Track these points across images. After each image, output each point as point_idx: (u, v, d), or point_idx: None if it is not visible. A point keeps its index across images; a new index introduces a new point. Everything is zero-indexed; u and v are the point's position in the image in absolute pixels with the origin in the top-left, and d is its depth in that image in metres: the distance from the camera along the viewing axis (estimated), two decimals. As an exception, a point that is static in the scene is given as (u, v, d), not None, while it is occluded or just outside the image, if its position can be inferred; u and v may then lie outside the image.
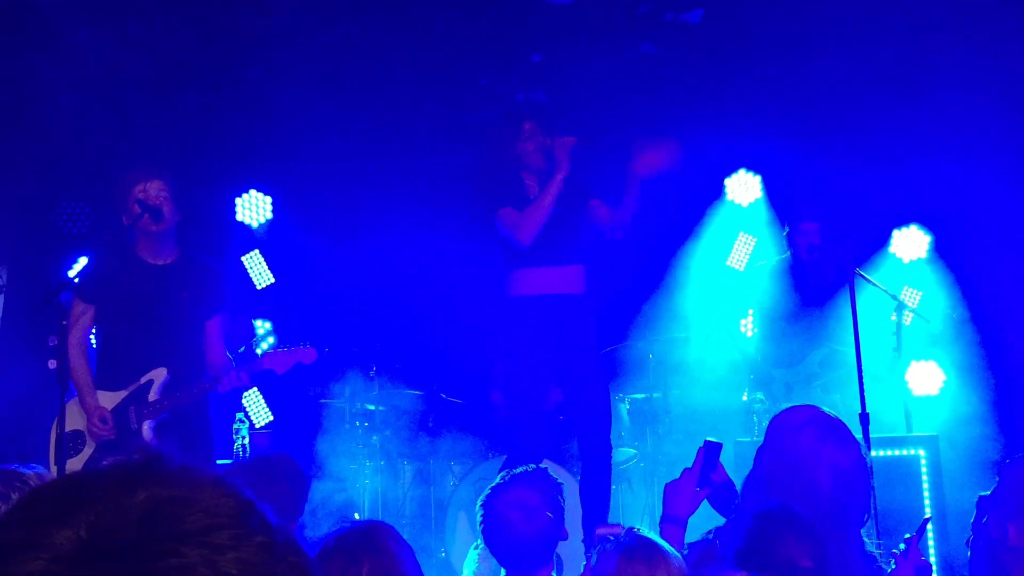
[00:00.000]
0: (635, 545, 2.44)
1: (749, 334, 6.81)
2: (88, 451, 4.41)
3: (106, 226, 6.49)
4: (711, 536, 2.88)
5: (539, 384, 4.69)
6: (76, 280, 4.51)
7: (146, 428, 4.35)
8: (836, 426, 2.87)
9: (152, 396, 4.36)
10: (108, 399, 4.41)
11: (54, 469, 4.11)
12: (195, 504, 0.73)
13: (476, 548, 3.79)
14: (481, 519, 3.32)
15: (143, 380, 4.38)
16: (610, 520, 5.59)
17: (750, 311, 6.78)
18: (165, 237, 4.52)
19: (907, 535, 3.02)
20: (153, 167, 4.57)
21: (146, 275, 4.48)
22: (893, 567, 2.94)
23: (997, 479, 3.02)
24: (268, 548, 0.73)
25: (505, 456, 4.88)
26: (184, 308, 4.47)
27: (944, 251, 6.73)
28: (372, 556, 2.25)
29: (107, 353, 4.50)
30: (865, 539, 2.87)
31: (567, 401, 4.87)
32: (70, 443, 4.36)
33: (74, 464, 4.35)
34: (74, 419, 4.41)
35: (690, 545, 2.90)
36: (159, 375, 4.36)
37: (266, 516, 0.76)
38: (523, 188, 4.77)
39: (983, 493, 3.11)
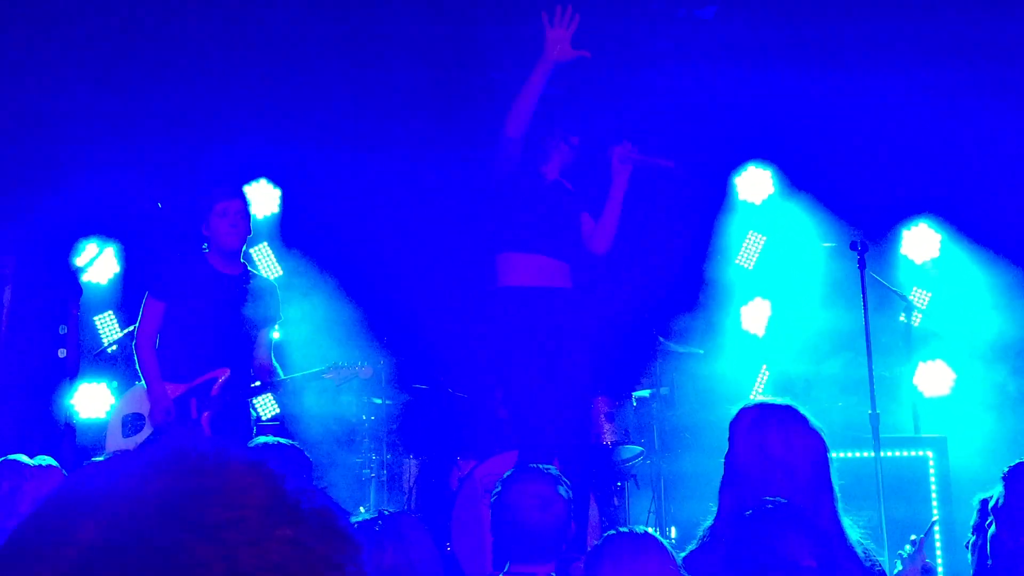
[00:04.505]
0: (629, 538, 2.45)
1: (761, 333, 6.78)
2: (145, 433, 4.81)
3: (128, 215, 6.63)
4: (707, 540, 2.88)
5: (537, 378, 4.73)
6: (152, 279, 4.98)
7: (205, 419, 4.74)
8: (790, 410, 2.97)
9: (215, 391, 4.76)
10: (171, 390, 4.80)
11: (116, 447, 4.51)
12: (219, 495, 0.70)
13: None
14: (493, 507, 3.31)
15: (208, 376, 4.77)
16: (618, 518, 5.59)
17: (767, 304, 6.74)
18: (237, 252, 4.95)
19: (913, 537, 3.01)
20: (237, 187, 5.03)
21: (219, 282, 4.91)
22: (899, 569, 2.93)
23: (1003, 488, 2.98)
24: (294, 543, 0.70)
25: (513, 451, 4.90)
26: (246, 317, 4.91)
27: (958, 245, 6.67)
28: (395, 544, 2.30)
29: (173, 348, 4.86)
30: (851, 534, 2.88)
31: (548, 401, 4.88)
32: (129, 424, 4.83)
33: (131, 444, 4.74)
34: (134, 403, 4.87)
35: (690, 556, 2.90)
36: (223, 374, 4.75)
37: (299, 505, 0.72)
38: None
39: (983, 495, 3.08)
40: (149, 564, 0.66)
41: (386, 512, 2.48)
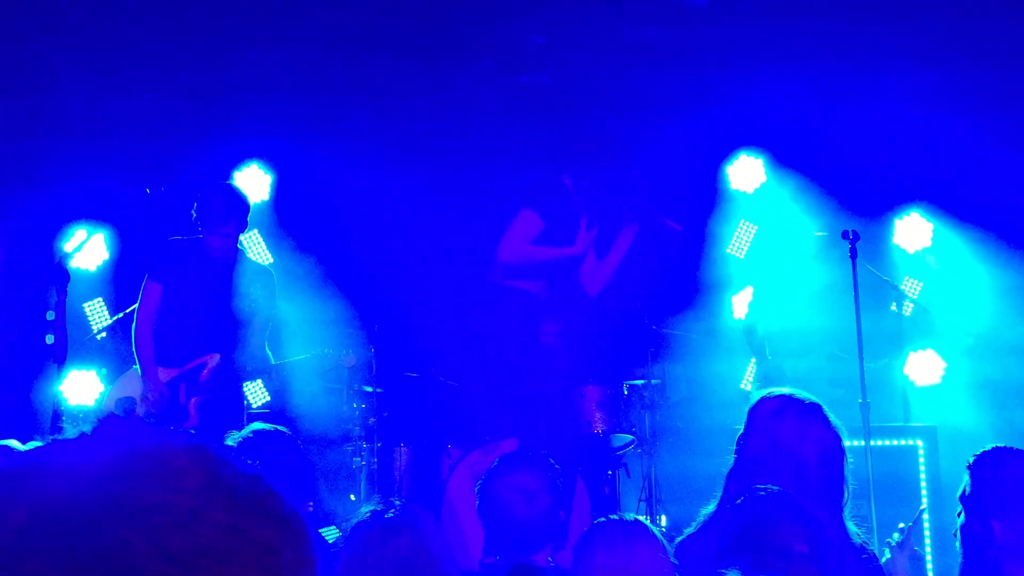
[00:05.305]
0: (619, 525, 2.45)
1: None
2: None
3: (119, 201, 6.64)
4: (707, 524, 2.87)
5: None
6: (150, 262, 5.05)
7: (193, 404, 4.81)
8: (815, 407, 2.94)
9: (204, 377, 4.81)
10: (163, 374, 4.87)
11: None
12: (152, 477, 0.69)
13: None
14: (479, 499, 3.29)
15: (198, 361, 4.82)
16: (609, 506, 5.59)
17: (750, 291, 6.74)
18: (230, 243, 5.02)
19: (901, 525, 3.02)
20: (225, 214, 4.99)
21: (213, 267, 4.93)
22: (887, 557, 2.93)
23: (969, 478, 2.99)
24: (227, 527, 0.69)
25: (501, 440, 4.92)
26: (239, 303, 4.94)
27: (949, 234, 6.67)
28: (410, 533, 2.37)
29: (167, 332, 4.92)
30: (851, 527, 2.87)
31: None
32: (123, 408, 4.81)
33: None
34: (128, 387, 4.97)
35: (687, 540, 2.89)
36: (213, 359, 4.80)
37: (236, 490, 0.71)
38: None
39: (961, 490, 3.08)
40: (73, 544, 0.66)
41: (396, 502, 2.50)
